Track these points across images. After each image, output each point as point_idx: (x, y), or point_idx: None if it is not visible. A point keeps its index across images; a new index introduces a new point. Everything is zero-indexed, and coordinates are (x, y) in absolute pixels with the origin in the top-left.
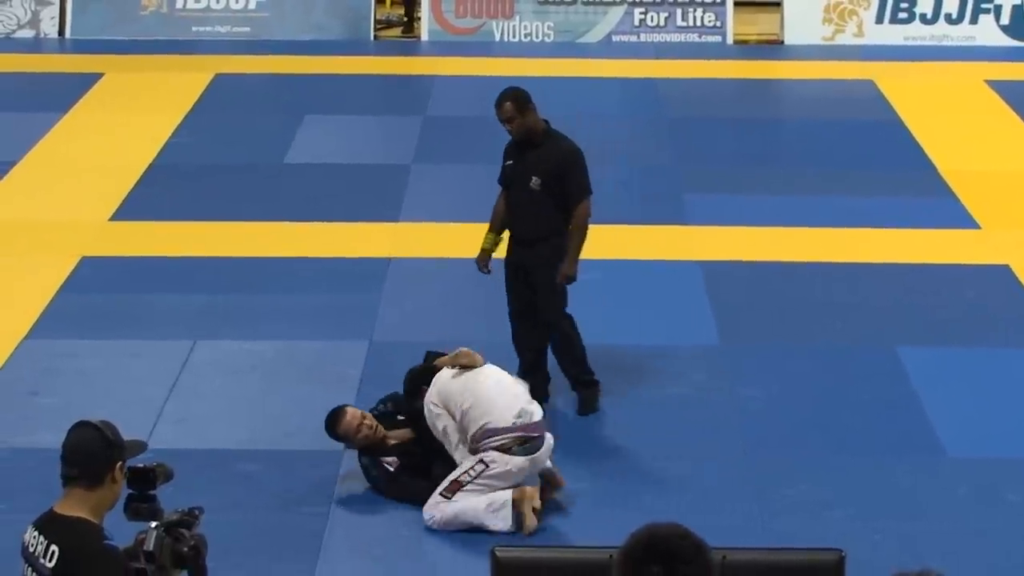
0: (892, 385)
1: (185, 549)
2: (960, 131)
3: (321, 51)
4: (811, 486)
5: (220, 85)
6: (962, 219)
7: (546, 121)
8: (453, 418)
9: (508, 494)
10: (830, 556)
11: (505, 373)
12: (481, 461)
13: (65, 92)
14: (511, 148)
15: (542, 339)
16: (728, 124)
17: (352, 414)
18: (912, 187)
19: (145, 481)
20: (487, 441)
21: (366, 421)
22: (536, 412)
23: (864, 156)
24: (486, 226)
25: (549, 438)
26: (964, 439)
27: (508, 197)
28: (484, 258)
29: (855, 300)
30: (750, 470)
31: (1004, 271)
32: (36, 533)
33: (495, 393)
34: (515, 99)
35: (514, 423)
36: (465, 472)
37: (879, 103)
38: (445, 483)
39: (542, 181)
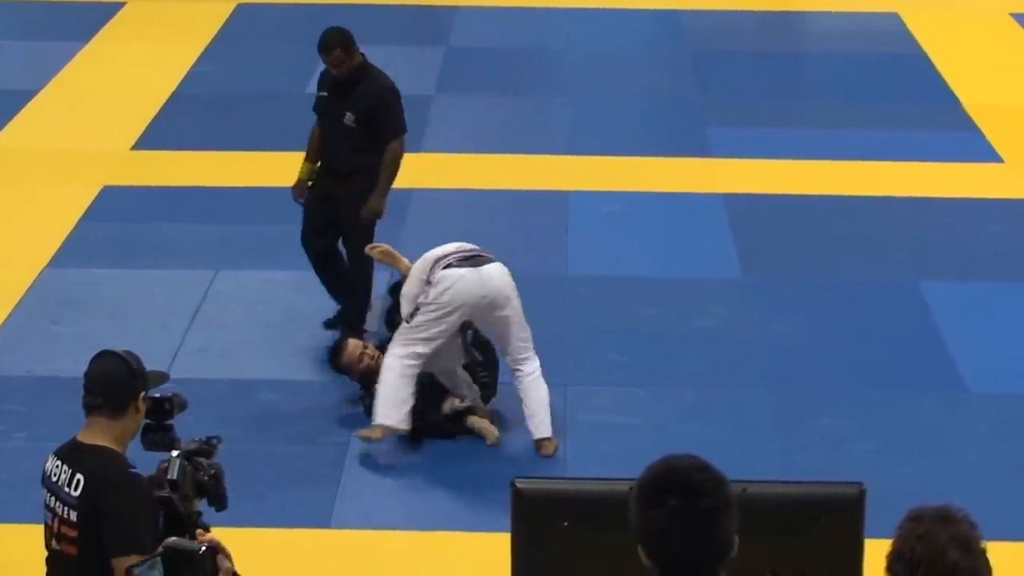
0: (915, 319)
1: (205, 478)
2: (985, 64)
3: None
4: (833, 420)
5: (242, 15)
6: (986, 153)
7: (363, 55)
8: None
9: (410, 395)
10: (850, 489)
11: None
12: (429, 282)
13: (87, 21)
14: (325, 78)
15: (348, 274)
16: (752, 57)
17: (353, 345)
18: (936, 121)
19: (161, 411)
20: (433, 270)
21: (367, 351)
22: (479, 248)
23: (888, 89)
24: (508, 156)
25: (499, 267)
26: (987, 374)
27: (323, 129)
28: (301, 188)
29: (878, 234)
30: (772, 403)
31: None
32: (59, 462)
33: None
34: (343, 43)
35: (455, 251)
36: (423, 295)
37: (903, 36)
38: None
39: (356, 118)
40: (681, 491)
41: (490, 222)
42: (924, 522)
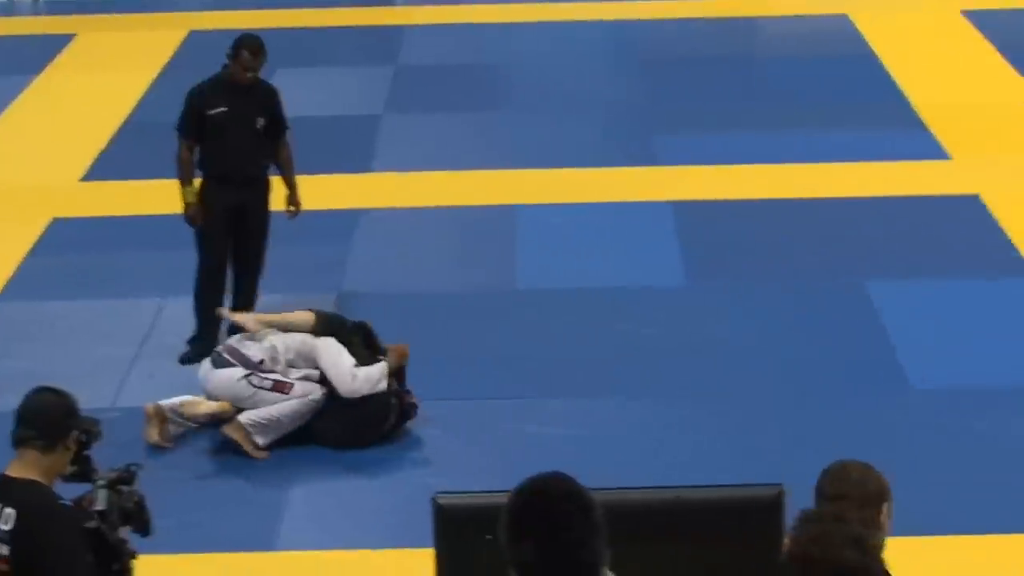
0: (861, 318)
1: (130, 505)
2: (935, 63)
3: (294, 4)
4: (779, 423)
5: (194, 42)
6: (933, 150)
7: None
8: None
9: None
10: (770, 491)
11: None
12: None
13: (38, 54)
14: (214, 94)
15: (255, 281)
16: (700, 63)
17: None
18: (884, 120)
19: (78, 443)
20: None
21: None
22: (249, 348)
23: (837, 91)
24: (457, 173)
25: (232, 372)
26: (931, 371)
27: (225, 141)
28: (197, 211)
29: (826, 234)
30: (716, 408)
31: (974, 201)
32: None
33: None
34: (265, 50)
35: None
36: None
37: (854, 38)
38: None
39: (265, 121)
40: (547, 526)
41: (439, 240)
42: (819, 523)
